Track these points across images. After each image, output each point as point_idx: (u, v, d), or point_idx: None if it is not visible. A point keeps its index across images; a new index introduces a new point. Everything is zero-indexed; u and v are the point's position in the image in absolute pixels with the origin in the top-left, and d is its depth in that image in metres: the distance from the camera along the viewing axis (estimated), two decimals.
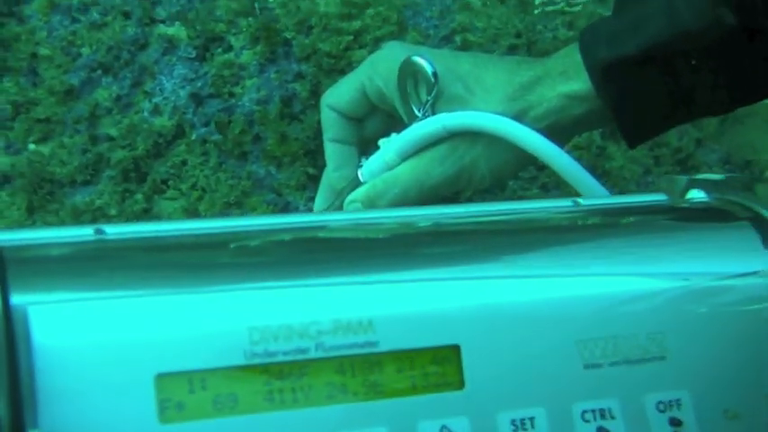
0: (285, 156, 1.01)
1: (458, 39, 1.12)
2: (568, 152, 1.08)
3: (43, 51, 1.08)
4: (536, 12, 1.17)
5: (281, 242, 0.50)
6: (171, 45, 1.07)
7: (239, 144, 1.02)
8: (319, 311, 0.43)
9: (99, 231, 0.45)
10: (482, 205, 0.64)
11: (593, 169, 1.12)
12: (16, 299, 0.41)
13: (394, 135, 0.80)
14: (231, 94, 1.04)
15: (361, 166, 0.88)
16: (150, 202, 1.00)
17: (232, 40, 1.09)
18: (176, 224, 0.53)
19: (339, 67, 1.07)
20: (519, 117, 0.74)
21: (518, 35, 1.12)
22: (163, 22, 1.10)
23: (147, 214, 0.99)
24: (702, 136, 1.19)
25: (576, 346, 0.46)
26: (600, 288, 0.47)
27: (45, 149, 1.02)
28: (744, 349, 0.48)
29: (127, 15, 1.10)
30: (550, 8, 1.18)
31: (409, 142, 0.78)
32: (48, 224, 0.98)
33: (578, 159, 1.08)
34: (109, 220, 0.99)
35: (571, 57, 0.74)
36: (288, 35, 1.08)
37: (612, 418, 0.45)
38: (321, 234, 0.51)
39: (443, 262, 0.47)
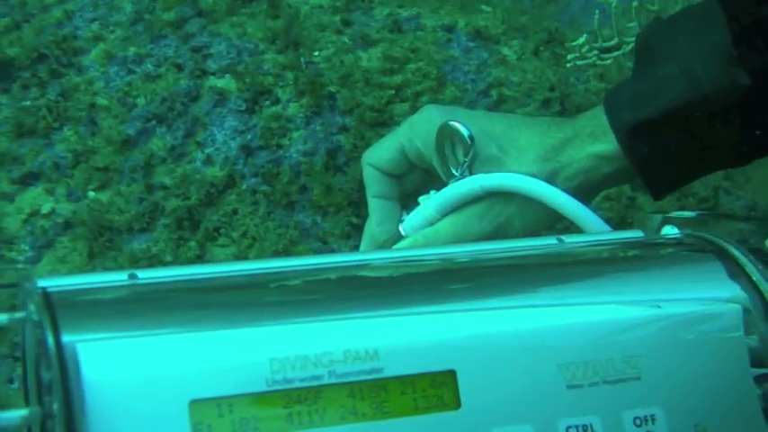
0: (330, 206, 1.09)
1: (494, 93, 1.20)
2: (599, 203, 1.16)
3: (101, 101, 1.16)
4: (568, 65, 1.24)
5: (297, 283, 0.57)
6: (222, 97, 1.16)
7: (287, 194, 1.10)
8: (331, 343, 0.49)
9: (132, 276, 0.52)
10: (478, 245, 0.72)
11: (623, 219, 1.20)
12: (66, 337, 0.47)
13: (433, 192, 0.87)
14: (279, 146, 1.12)
15: (403, 220, 0.95)
16: (203, 249, 1.08)
17: (279, 92, 1.17)
18: (203, 268, 0.60)
19: (381, 120, 1.15)
20: (551, 177, 0.81)
21: (552, 89, 1.20)
22: (214, 74, 1.18)
23: (200, 260, 1.07)
24: (729, 185, 1.26)
25: (559, 369, 0.51)
26: (580, 317, 0.53)
27: (104, 197, 1.11)
28: (711, 369, 0.54)
29: (179, 68, 1.18)
30: (582, 62, 1.25)
31: (448, 200, 0.85)
32: (107, 269, 1.06)
33: (609, 209, 1.16)
34: (165, 266, 1.07)
35: (598, 119, 0.80)
36: (332, 89, 1.16)
37: None
38: (333, 275, 0.59)
39: (440, 297, 0.54)
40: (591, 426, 0.51)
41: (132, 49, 1.20)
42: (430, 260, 0.64)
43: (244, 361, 0.48)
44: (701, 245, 0.60)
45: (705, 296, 0.57)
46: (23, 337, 0.56)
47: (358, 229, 1.09)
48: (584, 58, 1.26)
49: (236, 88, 1.15)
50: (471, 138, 0.86)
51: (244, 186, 1.09)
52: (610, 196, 1.17)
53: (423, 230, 0.91)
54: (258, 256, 1.07)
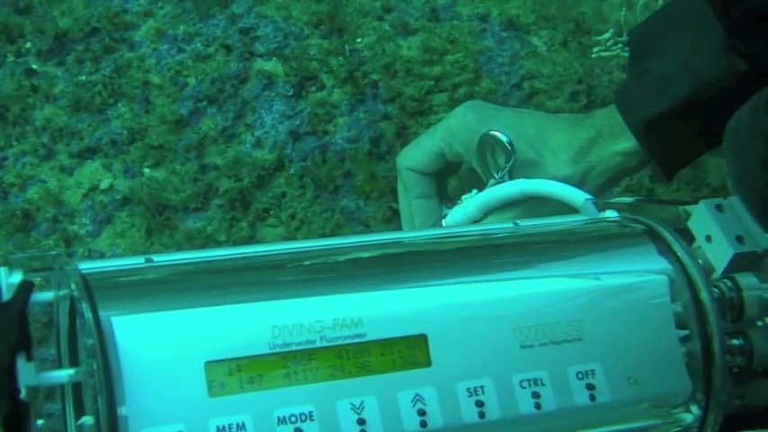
0: (373, 191, 1.24)
1: (526, 86, 1.34)
2: (621, 194, 1.32)
3: (154, 79, 1.29)
4: (593, 56, 1.38)
5: (298, 265, 0.72)
6: (270, 81, 1.29)
7: (332, 179, 1.24)
8: (323, 313, 0.61)
9: (149, 260, 0.67)
10: (450, 229, 0.86)
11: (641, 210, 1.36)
12: (102, 312, 0.59)
13: (475, 191, 1.01)
14: (325, 132, 1.26)
15: (445, 215, 1.09)
16: (254, 230, 1.22)
17: (324, 78, 1.30)
18: (210, 252, 0.74)
19: (421, 109, 1.29)
20: (584, 176, 0.94)
21: (579, 81, 1.35)
22: (261, 56, 1.31)
23: (251, 240, 1.21)
24: None
25: (514, 332, 0.64)
26: (531, 288, 0.66)
27: (159, 175, 1.24)
28: (642, 331, 0.66)
29: (228, 49, 1.31)
30: (606, 53, 1.40)
31: (491, 201, 0.98)
32: (164, 246, 1.21)
33: None
34: (218, 245, 1.22)
35: (613, 118, 0.94)
36: (375, 77, 1.30)
37: (543, 385, 0.63)
38: (329, 258, 0.74)
39: (415, 274, 0.68)
40: (541, 379, 0.63)
41: (182, 28, 1.32)
42: (410, 242, 0.79)
43: (250, 329, 0.60)
44: (636, 226, 0.75)
45: (637, 269, 0.71)
46: (57, 311, 0.70)
47: (398, 213, 1.24)
48: (609, 51, 1.40)
49: (283, 72, 1.28)
50: (512, 145, 0.99)
51: (292, 170, 1.23)
52: (631, 188, 1.33)
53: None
54: (305, 237, 1.21)
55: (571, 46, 1.37)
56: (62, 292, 0.62)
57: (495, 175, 0.99)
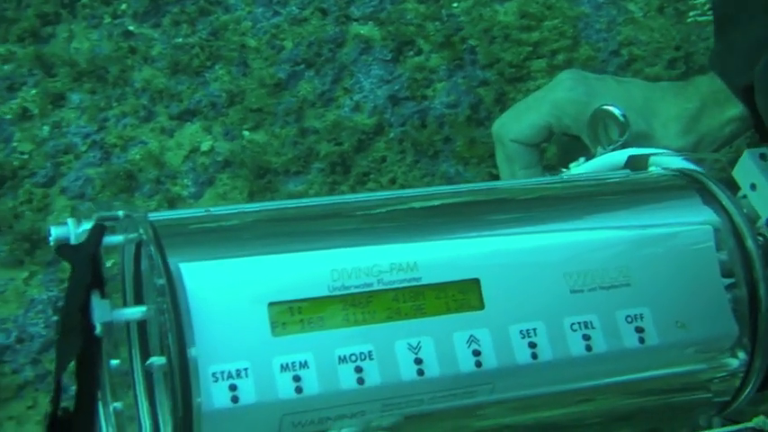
0: (473, 157, 1.28)
1: (624, 52, 1.37)
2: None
3: (250, 42, 1.33)
4: (689, 20, 1.42)
5: (355, 213, 0.77)
6: (367, 45, 1.33)
7: (432, 144, 1.28)
8: (380, 258, 0.67)
9: (208, 211, 0.71)
10: (505, 183, 0.90)
11: None
12: (171, 259, 0.65)
13: (583, 160, 1.05)
14: (424, 97, 1.30)
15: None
16: (354, 193, 1.26)
17: (421, 43, 1.34)
18: (271, 204, 0.79)
19: (519, 75, 1.33)
20: (695, 147, 0.99)
21: (677, 48, 1.38)
22: (357, 20, 1.35)
23: None
24: None
25: (564, 277, 0.69)
26: (580, 236, 0.73)
27: (258, 138, 1.29)
28: (689, 277, 0.72)
29: (324, 12, 1.35)
30: (702, 18, 1.43)
31: (601, 169, 1.03)
32: None
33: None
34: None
35: (716, 85, 0.98)
36: (472, 42, 1.33)
37: (593, 328, 0.68)
38: (392, 207, 0.79)
39: (470, 223, 0.74)
40: (591, 322, 0.69)
41: None
42: (466, 194, 0.83)
43: (310, 273, 0.66)
44: (682, 178, 0.80)
45: (684, 219, 0.77)
46: (123, 257, 0.75)
47: (497, 179, 1.28)
48: (705, 15, 1.43)
49: (380, 36, 1.32)
50: (626, 119, 1.03)
51: (391, 135, 1.27)
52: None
53: None
54: None
55: (667, 12, 1.41)
56: (131, 236, 0.66)
57: (606, 146, 1.03)
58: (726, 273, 0.72)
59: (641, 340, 0.70)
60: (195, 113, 1.29)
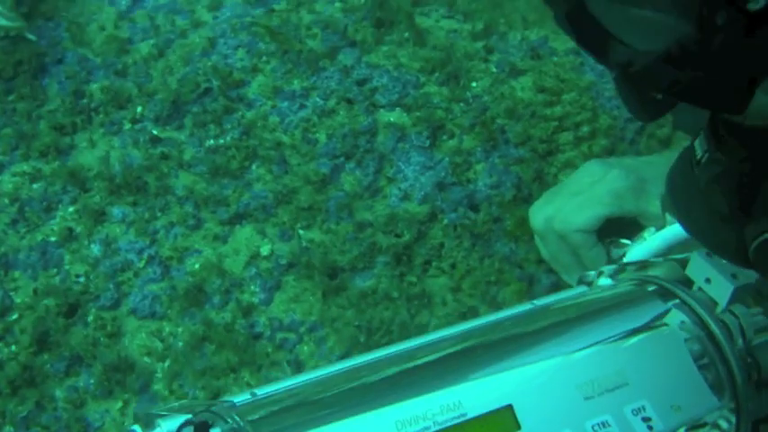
0: (523, 234, 1.44)
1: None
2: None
3: (284, 139, 1.44)
4: None
5: (402, 366, 0.90)
6: (402, 134, 1.46)
7: (484, 225, 1.43)
8: (431, 403, 0.84)
9: (253, 394, 0.84)
10: (512, 309, 1.11)
11: None
12: None
13: (653, 230, 1.24)
14: (468, 180, 1.45)
15: (621, 255, 1.31)
16: (422, 283, 1.39)
17: (451, 126, 1.49)
18: (313, 373, 0.95)
19: (549, 149, 1.50)
20: None
21: None
22: (383, 107, 1.48)
23: (422, 295, 1.38)
24: None
25: (577, 388, 0.87)
26: (583, 353, 0.91)
27: (314, 236, 1.39)
28: (669, 368, 0.91)
29: (350, 101, 1.47)
30: None
31: (675, 237, 1.22)
32: (341, 308, 1.36)
33: None
34: (391, 301, 1.38)
35: None
36: (500, 122, 1.49)
37: (609, 426, 0.86)
38: (427, 357, 0.96)
39: (494, 358, 0.89)
40: (606, 421, 0.88)
41: (296, 82, 1.47)
42: (481, 332, 1.00)
43: (379, 428, 0.82)
44: (648, 287, 0.99)
45: (656, 323, 0.97)
46: None
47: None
48: None
49: (411, 123, 1.46)
50: None
51: (445, 221, 1.41)
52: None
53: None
54: (472, 287, 1.39)
55: None
56: (226, 426, 0.81)
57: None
58: (699, 356, 0.92)
59: (650, 428, 0.88)
60: (244, 216, 1.37)
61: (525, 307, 1.04)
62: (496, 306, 1.42)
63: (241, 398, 0.85)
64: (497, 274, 1.41)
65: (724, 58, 0.65)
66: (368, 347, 1.39)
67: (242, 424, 0.79)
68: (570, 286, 1.24)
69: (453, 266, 1.41)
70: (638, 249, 1.30)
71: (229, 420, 0.79)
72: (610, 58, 0.71)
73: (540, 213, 1.35)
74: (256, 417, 0.81)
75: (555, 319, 0.99)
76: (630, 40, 0.71)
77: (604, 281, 1.10)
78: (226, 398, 0.85)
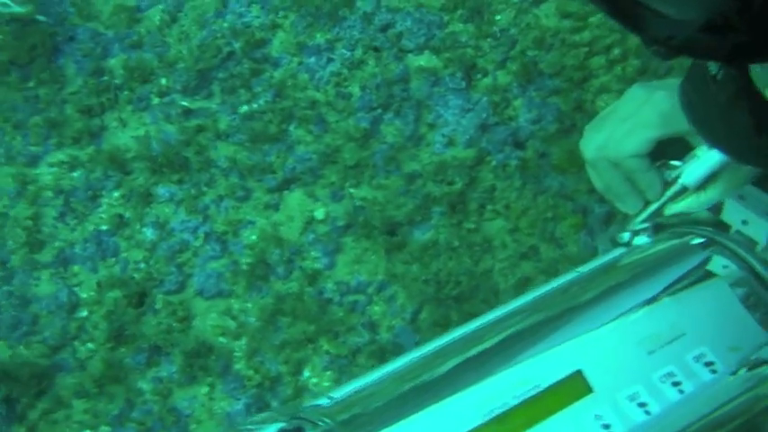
0: (572, 167, 1.46)
1: None
2: None
3: (318, 96, 1.43)
4: None
5: (476, 347, 0.93)
6: (436, 77, 1.47)
7: (532, 162, 1.45)
8: (501, 386, 0.89)
9: (330, 398, 0.86)
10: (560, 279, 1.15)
11: None
12: None
13: (705, 147, 1.27)
14: (510, 118, 1.46)
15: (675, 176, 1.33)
16: (479, 228, 1.41)
17: (482, 63, 1.50)
18: (393, 364, 0.94)
19: (584, 76, 1.52)
20: None
21: None
22: (411, 52, 1.49)
23: (482, 241, 1.40)
24: None
25: (638, 344, 0.93)
26: (640, 311, 0.96)
27: (366, 193, 1.40)
28: (720, 314, 0.97)
29: (377, 50, 1.47)
30: None
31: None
32: (406, 264, 1.37)
33: None
34: (453, 251, 1.39)
35: None
36: (531, 54, 1.51)
37: (675, 375, 0.92)
38: (496, 337, 0.96)
39: (559, 329, 0.94)
40: (672, 372, 0.94)
41: (319, 36, 1.47)
42: (551, 302, 1.01)
43: (464, 409, 0.86)
44: (695, 239, 1.04)
45: (699, 273, 1.01)
46: None
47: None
48: None
49: (442, 65, 1.46)
50: None
51: (493, 163, 1.42)
52: None
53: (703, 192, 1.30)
54: (529, 226, 1.41)
55: None
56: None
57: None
58: (746, 296, 0.97)
59: (714, 372, 0.93)
60: (292, 181, 1.37)
61: (571, 275, 1.06)
62: (555, 243, 1.44)
63: (319, 401, 0.87)
64: (552, 210, 1.43)
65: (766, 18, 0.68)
66: (438, 301, 1.40)
67: (333, 425, 0.81)
68: (625, 215, 1.26)
69: (507, 207, 1.43)
70: (693, 167, 1.32)
71: (320, 423, 0.81)
72: (648, 31, 0.73)
73: (591, 143, 1.36)
74: (346, 417, 0.83)
75: (605, 284, 1.02)
76: (668, 10, 0.72)
77: (640, 239, 1.13)
78: (305, 403, 0.86)
